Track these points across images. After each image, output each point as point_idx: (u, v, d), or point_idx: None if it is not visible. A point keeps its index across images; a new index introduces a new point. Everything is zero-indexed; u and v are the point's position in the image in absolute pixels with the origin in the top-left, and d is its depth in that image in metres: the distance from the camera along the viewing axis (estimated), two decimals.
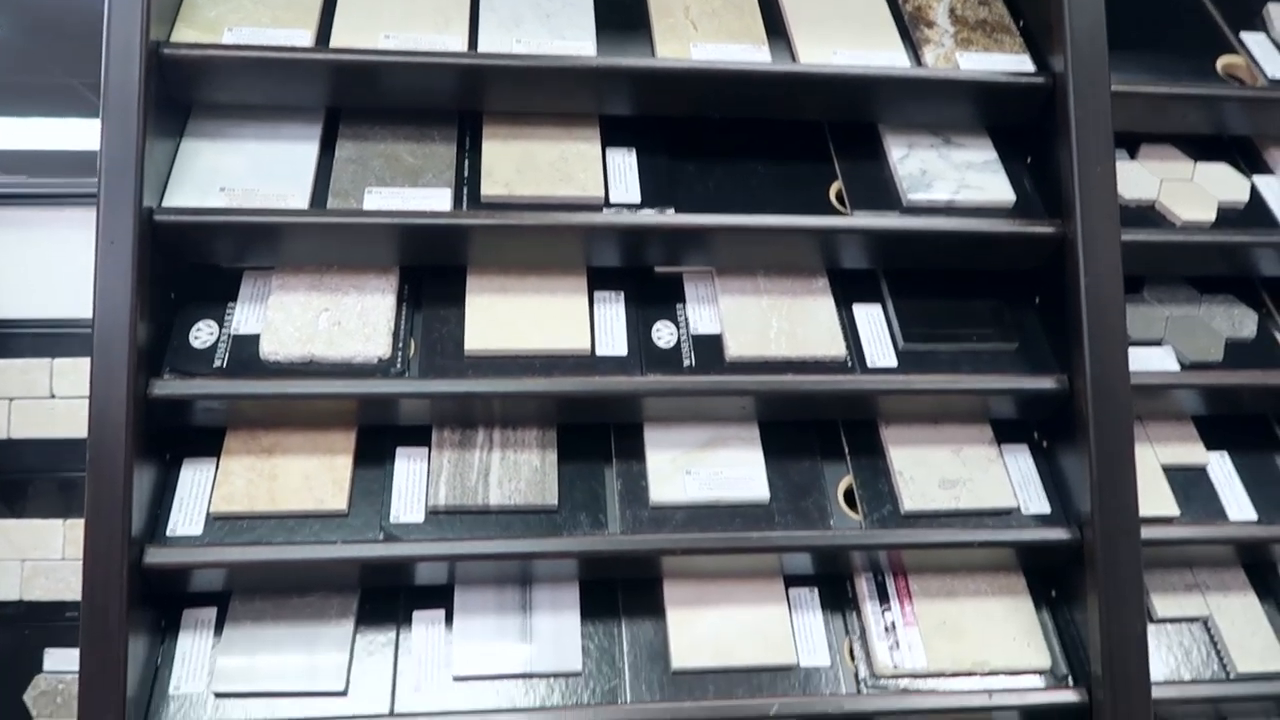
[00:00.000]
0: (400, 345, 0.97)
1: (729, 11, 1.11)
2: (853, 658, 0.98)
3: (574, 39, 1.05)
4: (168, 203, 0.95)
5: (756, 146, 1.09)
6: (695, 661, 0.95)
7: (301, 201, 0.97)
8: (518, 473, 0.97)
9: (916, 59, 1.09)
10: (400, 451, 0.98)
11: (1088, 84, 1.00)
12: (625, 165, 1.04)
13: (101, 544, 0.85)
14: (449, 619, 0.96)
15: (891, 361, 1.02)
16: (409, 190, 0.99)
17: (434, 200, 0.98)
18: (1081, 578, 0.96)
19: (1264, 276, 1.15)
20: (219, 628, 0.93)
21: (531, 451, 0.98)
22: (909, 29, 1.12)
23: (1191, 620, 1.03)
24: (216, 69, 0.97)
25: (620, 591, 0.99)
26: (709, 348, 1.01)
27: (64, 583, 1.54)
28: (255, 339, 0.96)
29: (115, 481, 0.86)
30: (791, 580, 1.01)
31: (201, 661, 0.92)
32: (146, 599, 0.89)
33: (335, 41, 1.02)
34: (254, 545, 0.90)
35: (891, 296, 1.06)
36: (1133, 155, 1.15)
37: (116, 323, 0.87)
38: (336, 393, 0.93)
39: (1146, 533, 0.96)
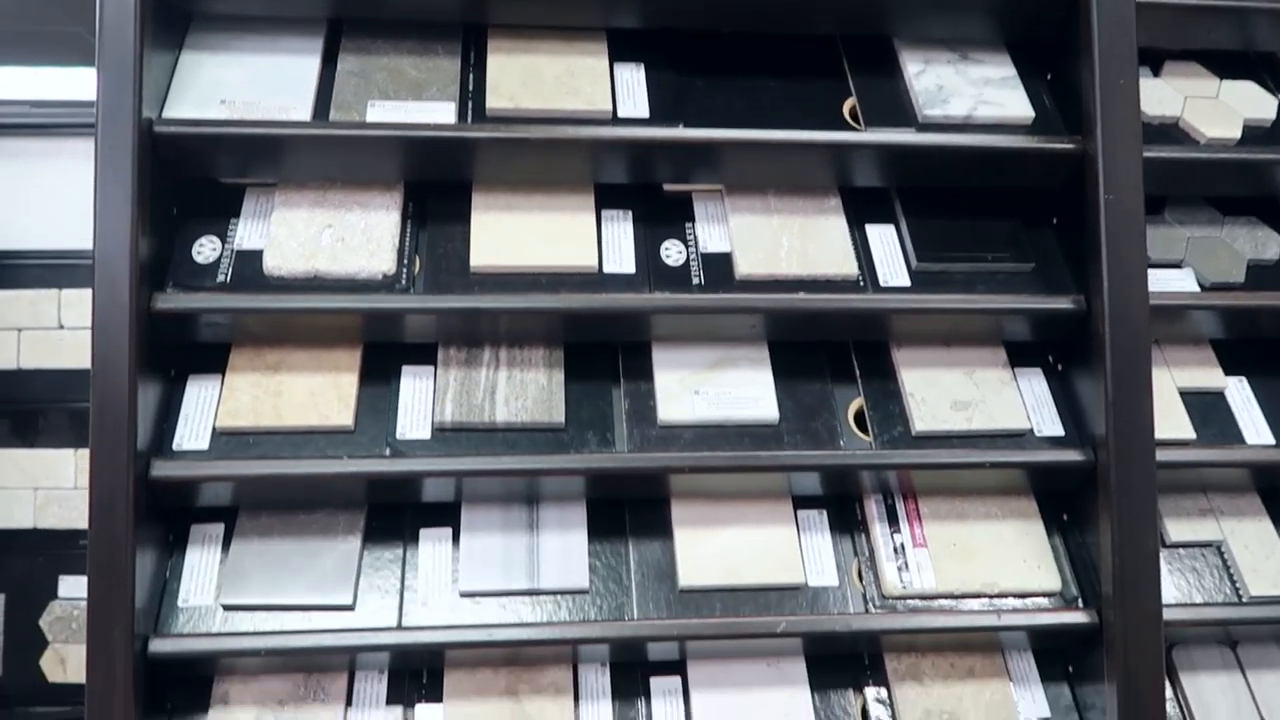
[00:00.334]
0: (405, 262, 0.96)
1: None
2: (861, 579, 0.97)
3: None
4: (167, 115, 0.93)
5: (768, 62, 1.06)
6: (702, 580, 0.94)
7: (304, 114, 0.95)
8: (524, 391, 0.96)
9: None
10: (406, 370, 0.97)
11: None
12: (633, 81, 1.02)
13: (107, 457, 0.85)
14: (455, 537, 0.96)
15: (904, 281, 1.00)
16: (412, 104, 0.97)
17: (438, 113, 0.96)
18: (1094, 501, 0.95)
19: None
20: (226, 543, 0.94)
21: (538, 370, 0.97)
22: None
23: (1204, 545, 1.03)
24: None
25: (627, 511, 0.98)
26: (718, 266, 0.99)
27: (76, 511, 1.55)
28: (258, 255, 0.95)
29: (120, 394, 0.85)
30: (800, 502, 1.00)
31: (209, 575, 0.92)
32: (153, 513, 0.89)
33: None
34: (260, 460, 0.90)
35: (905, 216, 1.04)
36: (1156, 73, 1.11)
37: (118, 234, 0.86)
38: (341, 308, 0.92)
39: (1161, 455, 0.94)
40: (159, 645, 0.86)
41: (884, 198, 1.06)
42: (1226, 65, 1.13)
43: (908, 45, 1.07)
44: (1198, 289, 1.04)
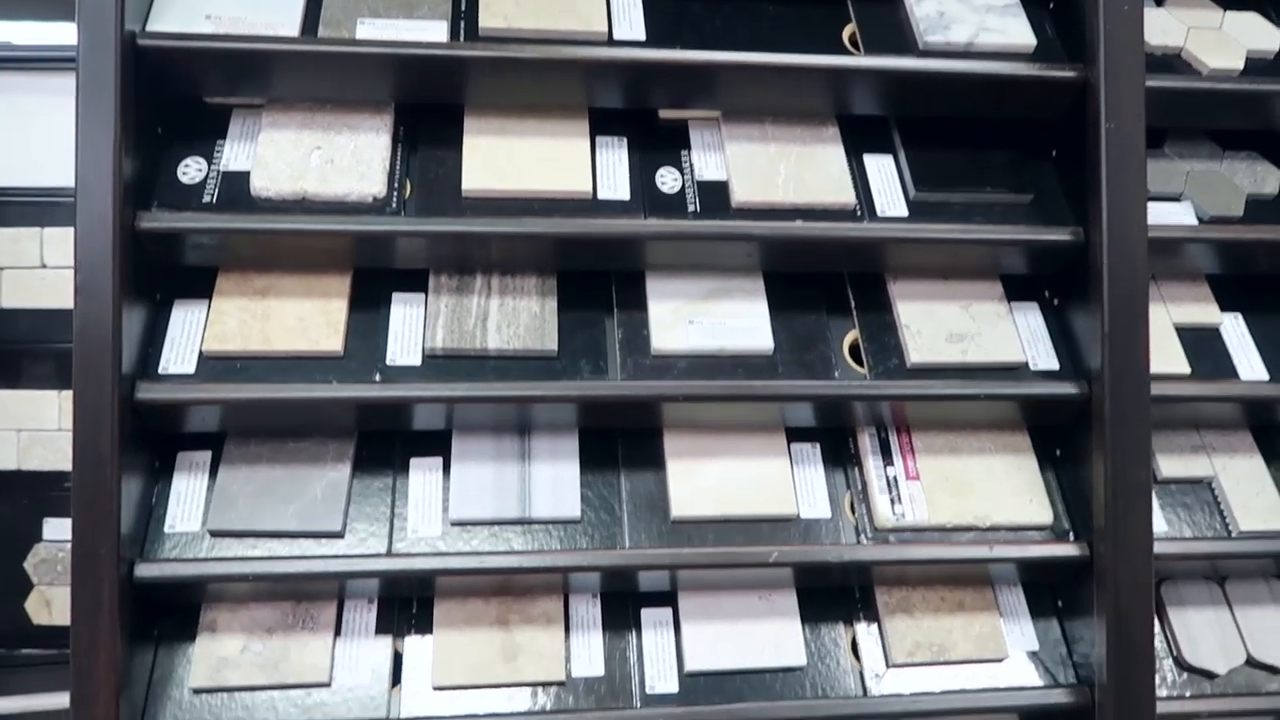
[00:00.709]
0: (395, 185, 0.94)
1: None
2: (853, 512, 0.97)
3: None
4: (151, 29, 0.90)
5: None
6: (694, 511, 0.94)
7: (291, 30, 0.93)
8: (516, 319, 0.94)
9: None
10: (396, 296, 0.96)
11: None
12: (629, 2, 1.00)
13: (91, 379, 0.83)
14: (446, 467, 0.95)
15: (902, 211, 0.99)
16: (403, 21, 0.94)
17: (429, 32, 0.94)
18: (1087, 435, 0.95)
19: None
20: (214, 471, 0.92)
21: (531, 298, 0.96)
22: None
23: (1196, 481, 1.03)
24: None
25: (620, 442, 0.97)
26: (714, 194, 0.98)
27: (60, 453, 1.53)
28: (245, 176, 0.93)
29: (104, 315, 0.83)
30: (793, 435, 0.99)
31: (197, 501, 0.91)
32: (139, 438, 0.87)
33: None
34: (248, 383, 0.89)
35: (904, 147, 1.02)
36: (1160, 3, 1.10)
37: (100, 150, 0.84)
38: (330, 229, 0.90)
39: (1156, 389, 0.94)
40: (145, 570, 0.85)
41: (882, 128, 1.04)
42: None
43: None
44: (1196, 222, 1.04)
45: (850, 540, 0.95)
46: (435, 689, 0.90)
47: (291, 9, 0.94)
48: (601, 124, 1.01)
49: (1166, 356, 1.01)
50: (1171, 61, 1.05)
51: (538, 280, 0.97)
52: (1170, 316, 1.04)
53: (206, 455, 0.93)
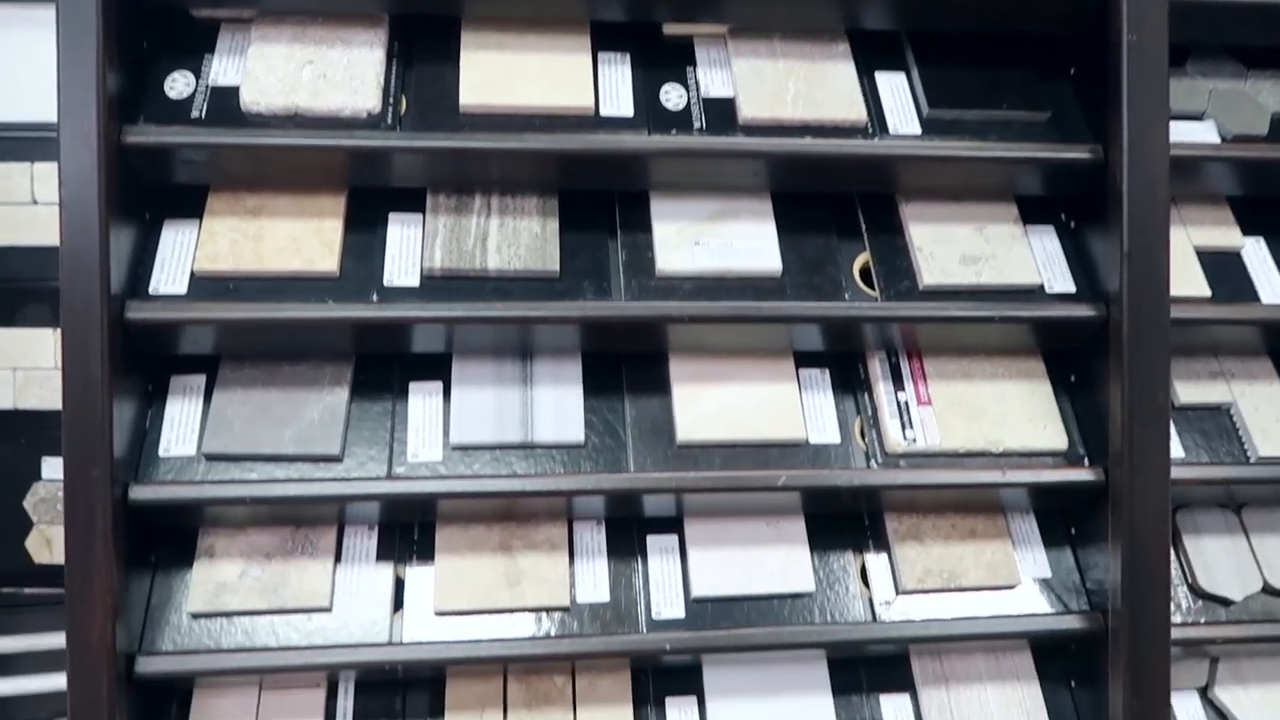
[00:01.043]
0: (390, 100, 0.91)
1: None
2: (863, 437, 0.95)
3: None
4: None
5: None
6: (701, 435, 0.92)
7: None
8: (517, 239, 0.92)
9: None
10: (393, 217, 0.93)
11: None
12: None
13: (79, 298, 0.80)
14: (446, 392, 0.93)
15: (915, 129, 0.96)
16: None
17: None
18: (1104, 360, 0.92)
19: None
20: (208, 396, 0.90)
21: (532, 219, 0.93)
22: None
23: (1214, 408, 1.00)
24: None
25: (624, 367, 0.95)
26: (721, 111, 0.94)
27: (57, 391, 1.49)
28: (234, 91, 0.89)
29: (91, 232, 0.81)
30: (801, 360, 0.97)
31: (191, 425, 0.89)
32: (130, 359, 0.85)
33: None
34: (241, 303, 0.86)
35: (917, 64, 0.98)
36: None
37: (83, 62, 0.81)
38: (324, 145, 0.86)
39: (1175, 312, 0.91)
40: (139, 493, 0.83)
41: (895, 45, 1.00)
42: None
43: None
44: (1219, 141, 1.00)
45: (860, 465, 0.93)
46: (437, 614, 0.88)
47: None
48: (604, 40, 0.97)
49: (1186, 279, 0.98)
50: None
51: (539, 200, 0.94)
52: (1190, 239, 1.01)
53: (200, 379, 0.91)
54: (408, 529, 0.92)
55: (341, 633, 0.87)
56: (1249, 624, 0.95)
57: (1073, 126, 0.97)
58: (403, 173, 0.91)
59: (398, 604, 0.89)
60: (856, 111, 0.94)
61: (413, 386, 0.92)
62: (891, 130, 0.95)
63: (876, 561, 0.95)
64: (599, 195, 0.96)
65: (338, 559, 0.90)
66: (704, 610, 0.91)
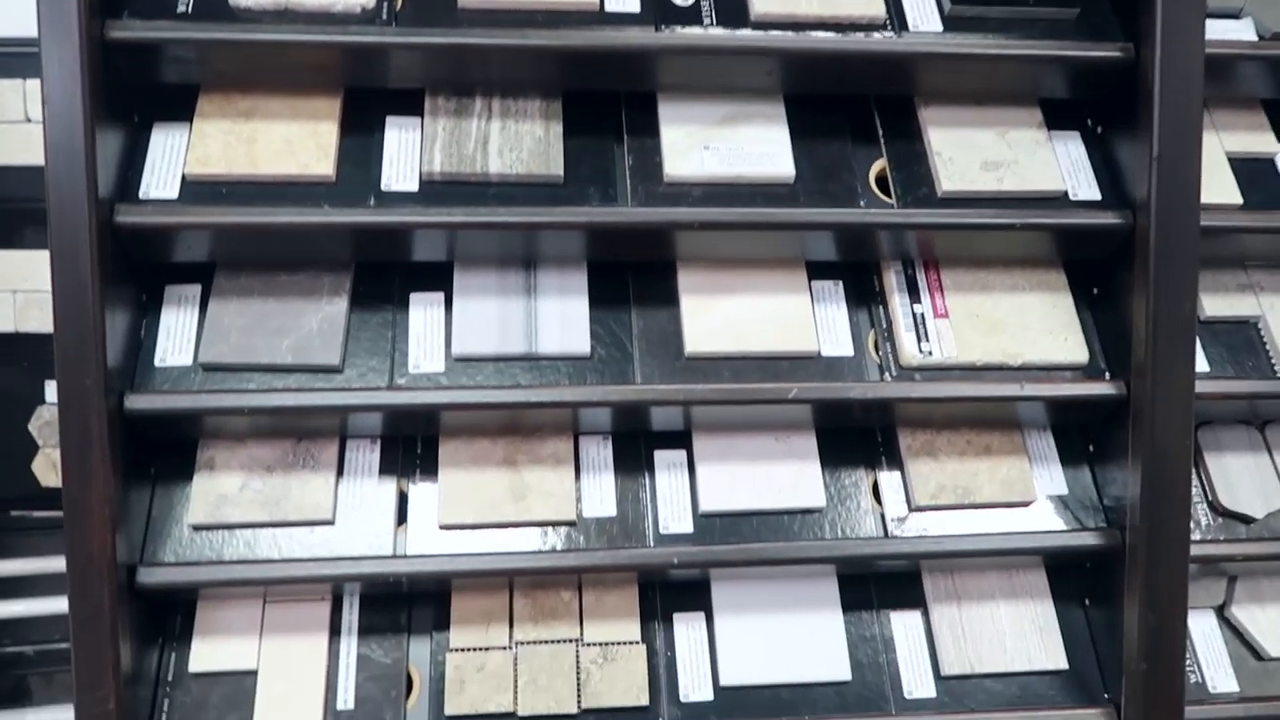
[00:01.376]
0: None
1: None
2: (877, 350, 0.92)
3: None
4: None
5: None
6: (710, 347, 0.89)
7: None
8: (519, 143, 0.88)
9: None
10: (390, 120, 0.89)
11: None
12: None
13: (66, 200, 0.77)
14: (448, 303, 0.90)
15: (936, 25, 0.91)
16: None
17: None
18: (1129, 270, 0.89)
19: None
20: (204, 305, 0.88)
21: (534, 122, 0.89)
22: None
23: (1241, 321, 0.97)
24: None
25: (631, 277, 0.92)
26: (732, 6, 0.90)
27: None
28: None
29: (75, 132, 0.77)
30: (814, 272, 0.94)
31: (187, 336, 0.87)
32: (122, 267, 0.83)
33: None
34: (235, 206, 0.83)
35: None
36: None
37: None
38: (316, 40, 0.83)
39: (1205, 220, 0.87)
40: (135, 402, 0.81)
41: None
42: None
43: None
44: (1256, 39, 0.96)
45: (874, 379, 0.90)
46: (442, 528, 0.87)
47: None
48: None
49: (1217, 186, 0.94)
50: None
51: (541, 103, 0.90)
52: (1223, 145, 0.97)
53: (196, 289, 0.88)
54: (410, 443, 0.90)
55: (345, 545, 0.86)
56: (1270, 541, 0.93)
57: (1102, 24, 0.92)
58: (399, 72, 0.87)
59: (401, 518, 0.88)
60: (875, 7, 0.90)
61: (413, 297, 0.90)
62: (911, 27, 0.91)
63: (889, 478, 0.93)
64: (604, 98, 0.92)
65: (340, 473, 0.89)
66: (712, 525, 0.89)
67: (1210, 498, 0.95)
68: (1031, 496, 0.92)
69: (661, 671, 0.88)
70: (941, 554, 0.89)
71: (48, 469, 1.51)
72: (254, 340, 0.85)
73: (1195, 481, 0.96)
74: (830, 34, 0.88)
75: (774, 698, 0.88)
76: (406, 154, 0.88)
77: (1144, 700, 0.86)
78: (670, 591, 0.91)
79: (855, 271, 0.95)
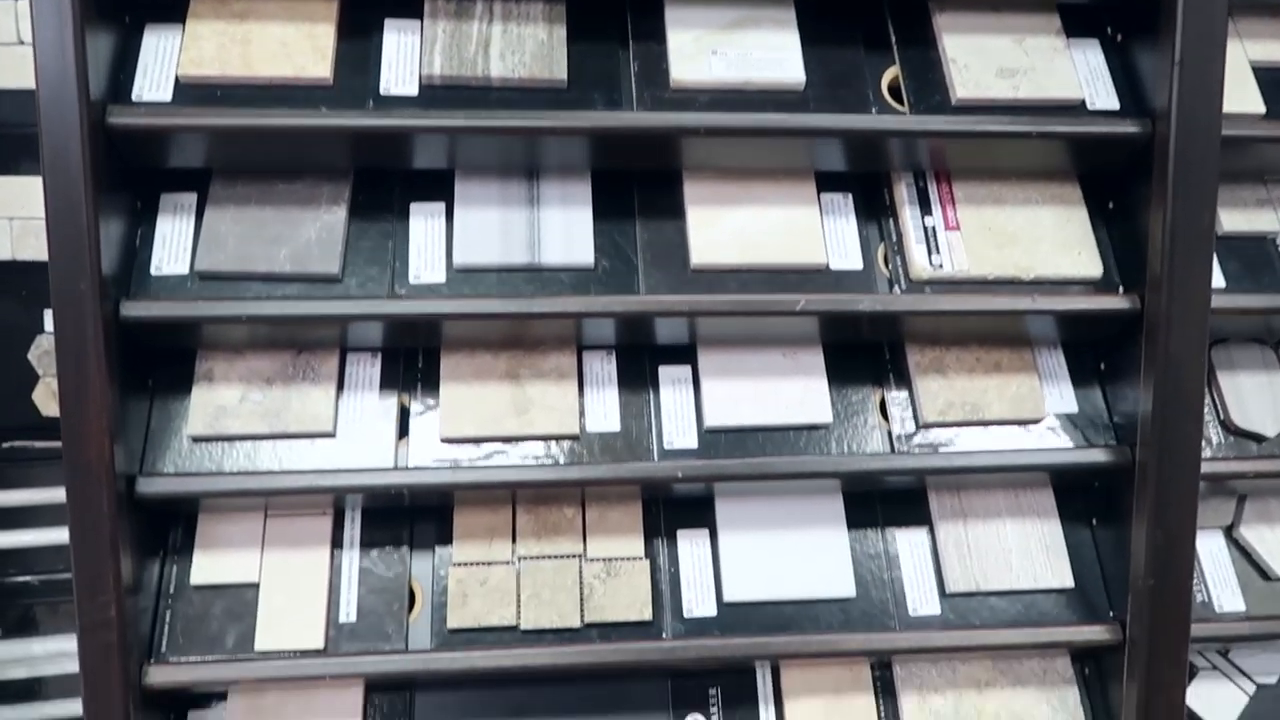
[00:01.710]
0: None
1: None
2: (887, 264, 0.91)
3: None
4: None
5: None
6: (716, 258, 0.87)
7: None
8: (522, 45, 0.86)
9: None
10: (389, 23, 0.87)
11: None
12: None
13: (55, 102, 0.75)
14: (449, 214, 0.88)
15: None
16: None
17: None
18: (1146, 182, 0.87)
19: None
20: (199, 214, 0.86)
21: (537, 25, 0.87)
22: None
23: (1258, 237, 0.95)
24: None
25: (636, 189, 0.90)
26: None
27: None
28: None
29: (64, 33, 0.75)
30: (824, 184, 0.92)
31: (183, 244, 0.85)
32: (116, 172, 0.81)
33: None
34: (230, 108, 0.81)
35: None
36: None
37: None
38: None
39: (1226, 129, 0.85)
40: (131, 309, 0.80)
41: None
42: None
43: None
44: None
45: (883, 292, 0.89)
46: (443, 441, 0.86)
47: None
48: None
49: (1240, 95, 0.91)
50: None
51: (544, 5, 0.87)
52: (1246, 53, 0.94)
53: (191, 197, 0.86)
54: (411, 356, 0.89)
55: (346, 457, 0.85)
56: None
57: None
58: None
59: (403, 432, 0.87)
60: None
61: (414, 207, 0.88)
62: None
63: (897, 395, 0.92)
64: (609, 1, 0.89)
65: (340, 386, 0.87)
66: (717, 441, 0.88)
67: (1222, 416, 0.94)
68: (1041, 414, 0.91)
69: (665, 587, 0.88)
70: (948, 470, 0.88)
71: (48, 398, 1.51)
72: (251, 248, 0.84)
73: (1207, 400, 0.94)
74: None
75: (777, 614, 0.88)
76: (405, 57, 0.85)
77: (1150, 617, 0.85)
78: (674, 508, 0.91)
79: (865, 184, 0.93)
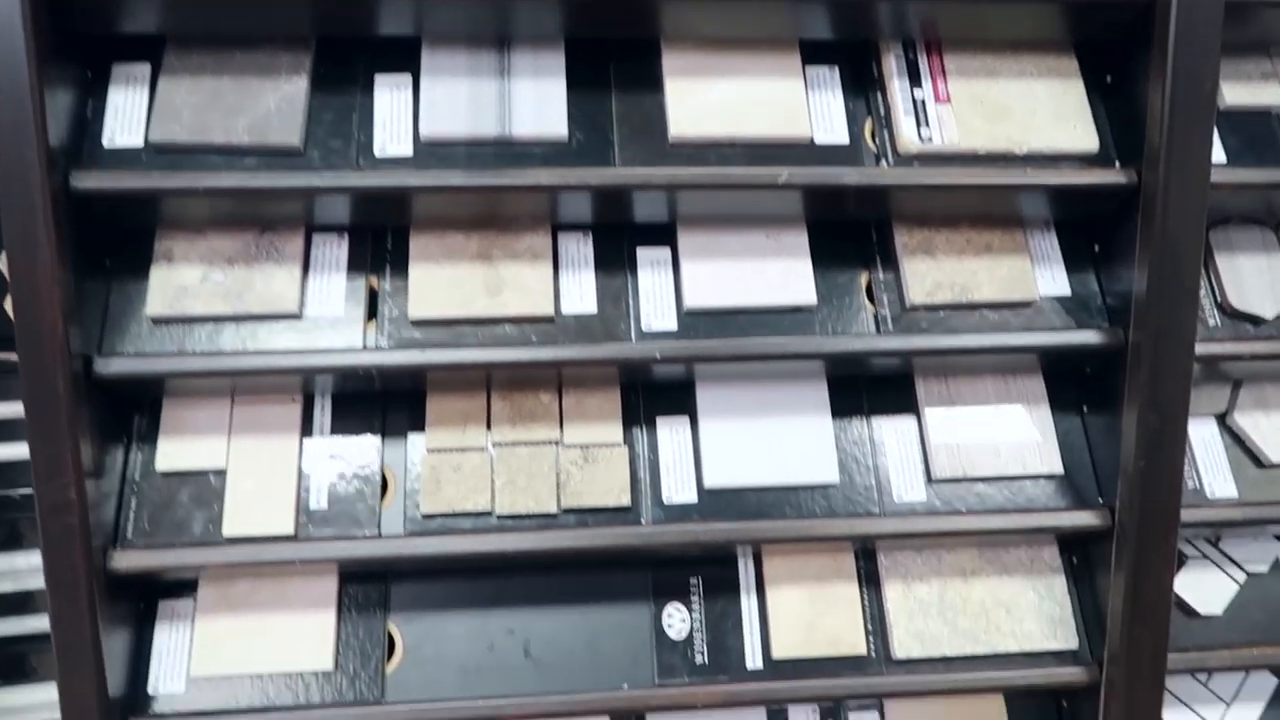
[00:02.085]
0: None
1: None
2: (874, 139, 0.87)
3: None
4: None
5: None
6: (696, 131, 0.84)
7: None
8: None
9: None
10: None
11: None
12: None
13: None
14: (416, 85, 0.84)
15: None
16: None
17: None
18: (1145, 51, 0.82)
19: None
20: (154, 86, 0.82)
21: None
22: None
23: (1262, 112, 0.91)
24: None
25: (612, 59, 0.86)
26: None
27: None
28: None
29: None
30: (810, 56, 0.88)
31: (137, 115, 0.82)
32: (63, 39, 0.76)
33: None
34: None
35: None
36: None
37: None
38: None
39: None
40: (83, 180, 0.76)
41: None
42: None
43: None
44: None
45: (870, 165, 0.85)
46: (413, 323, 0.83)
47: None
48: None
49: None
50: None
51: None
52: None
53: (145, 68, 0.83)
54: (380, 237, 0.86)
55: (312, 338, 0.82)
56: (1277, 341, 0.89)
57: None
58: None
59: (371, 313, 0.84)
60: None
61: (379, 79, 0.84)
62: None
63: (883, 277, 0.89)
64: None
65: (306, 267, 0.84)
66: (697, 322, 0.85)
67: (1219, 298, 0.91)
68: (1032, 296, 0.88)
69: (644, 474, 0.86)
70: (935, 351, 0.85)
71: None
72: (208, 119, 0.80)
73: (1204, 282, 0.91)
74: None
75: (758, 500, 0.86)
76: None
77: (1140, 501, 0.83)
78: (653, 395, 0.88)
79: (852, 57, 0.89)
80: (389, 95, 0.83)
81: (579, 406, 0.87)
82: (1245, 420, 0.92)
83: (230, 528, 0.81)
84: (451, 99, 0.82)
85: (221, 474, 0.83)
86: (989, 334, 0.86)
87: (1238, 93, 0.90)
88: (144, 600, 0.83)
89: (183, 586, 0.84)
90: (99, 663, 0.75)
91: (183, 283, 0.82)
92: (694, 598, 0.87)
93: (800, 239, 0.88)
